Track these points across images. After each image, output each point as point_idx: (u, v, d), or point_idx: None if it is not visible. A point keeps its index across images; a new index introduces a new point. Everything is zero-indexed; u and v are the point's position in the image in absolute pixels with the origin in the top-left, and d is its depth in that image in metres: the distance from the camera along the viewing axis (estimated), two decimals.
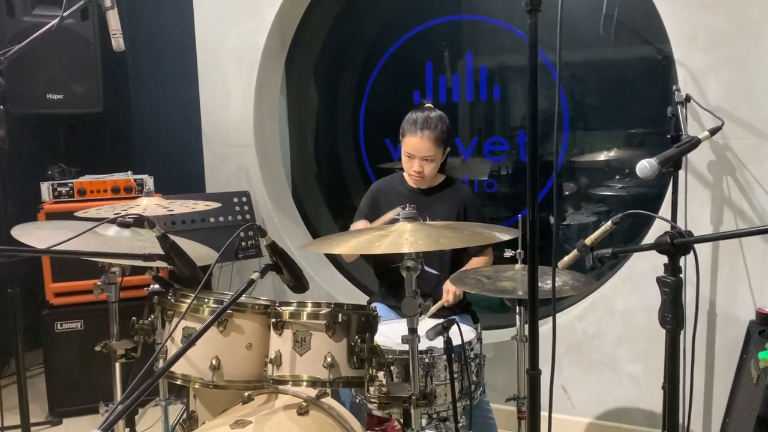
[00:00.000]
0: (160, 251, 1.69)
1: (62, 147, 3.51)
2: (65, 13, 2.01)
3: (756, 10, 2.37)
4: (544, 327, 2.36)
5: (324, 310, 1.63)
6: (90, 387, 3.01)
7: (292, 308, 1.65)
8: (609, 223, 1.69)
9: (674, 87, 2.47)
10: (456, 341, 1.85)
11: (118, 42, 2.07)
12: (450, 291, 2.35)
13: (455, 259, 2.53)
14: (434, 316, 2.31)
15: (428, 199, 2.55)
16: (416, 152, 2.43)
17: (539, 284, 1.47)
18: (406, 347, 1.66)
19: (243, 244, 3.19)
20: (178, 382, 1.70)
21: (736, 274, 2.51)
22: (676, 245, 1.42)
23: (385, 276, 2.65)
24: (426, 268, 2.36)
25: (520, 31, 3.12)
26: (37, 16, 3.11)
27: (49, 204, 3.04)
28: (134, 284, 2.47)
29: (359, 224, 2.58)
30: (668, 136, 2.34)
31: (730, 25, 2.42)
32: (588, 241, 1.70)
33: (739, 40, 2.41)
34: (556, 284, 1.74)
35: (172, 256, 1.69)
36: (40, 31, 2.05)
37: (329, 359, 1.61)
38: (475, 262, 2.55)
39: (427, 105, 2.52)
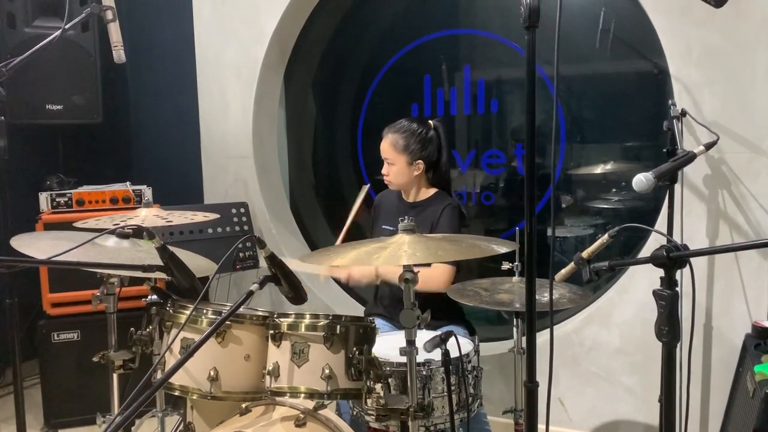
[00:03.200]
0: (159, 262, 1.69)
1: (61, 157, 3.52)
2: (67, 26, 2.03)
3: (749, 26, 2.40)
4: (541, 339, 2.36)
5: (322, 322, 1.64)
6: (86, 398, 3.00)
7: (290, 320, 1.66)
8: (606, 236, 1.71)
9: (670, 101, 2.49)
10: (453, 353, 1.86)
11: (119, 54, 2.09)
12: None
13: None
14: (431, 327, 2.31)
15: (414, 211, 2.55)
16: (381, 152, 2.55)
17: (536, 297, 1.48)
18: (403, 359, 1.67)
19: (240, 255, 3.19)
20: (176, 393, 1.71)
21: (732, 287, 2.52)
22: (673, 259, 1.43)
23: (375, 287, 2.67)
24: None
25: (516, 45, 3.15)
26: (38, 28, 3.12)
27: (47, 214, 3.04)
28: (131, 295, 2.47)
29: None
30: (664, 150, 2.35)
31: (725, 40, 2.45)
32: (585, 254, 1.71)
33: (733, 55, 2.44)
34: (553, 297, 1.75)
35: (171, 267, 1.70)
36: (43, 42, 2.07)
37: (327, 371, 1.61)
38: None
39: (429, 122, 2.56)
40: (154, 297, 1.89)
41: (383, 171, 2.56)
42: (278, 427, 1.65)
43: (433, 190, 2.60)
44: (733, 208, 2.50)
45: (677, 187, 2.46)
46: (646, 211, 2.98)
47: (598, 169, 3.08)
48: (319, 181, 3.99)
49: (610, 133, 3.14)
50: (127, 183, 3.24)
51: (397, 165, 2.51)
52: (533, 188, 1.40)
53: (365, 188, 2.74)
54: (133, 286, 2.03)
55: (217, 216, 2.42)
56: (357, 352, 1.64)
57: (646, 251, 2.72)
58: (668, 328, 1.45)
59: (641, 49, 2.91)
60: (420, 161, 2.51)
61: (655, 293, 1.46)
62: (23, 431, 2.49)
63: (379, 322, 2.53)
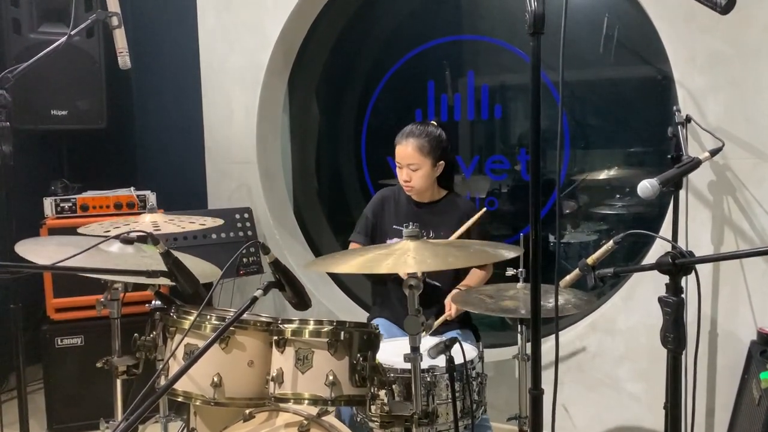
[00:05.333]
0: (163, 267, 1.69)
1: (65, 162, 3.52)
2: (73, 32, 2.04)
3: (754, 33, 2.40)
4: (546, 346, 2.36)
5: (326, 328, 1.64)
6: (89, 403, 2.99)
7: (294, 326, 1.66)
8: (611, 242, 1.70)
9: (674, 107, 2.49)
10: (458, 360, 1.85)
11: (124, 60, 2.10)
12: (452, 304, 2.36)
13: (457, 270, 2.55)
14: (436, 332, 2.31)
15: (429, 212, 2.58)
16: (402, 160, 2.52)
17: (541, 303, 1.47)
18: (408, 366, 1.66)
19: (244, 260, 3.19)
20: (180, 399, 1.70)
21: (737, 294, 2.51)
22: (678, 265, 1.42)
23: (382, 289, 2.67)
24: (427, 279, 2.38)
25: (520, 51, 3.15)
26: (43, 33, 3.13)
27: (51, 219, 3.05)
28: (135, 300, 2.47)
29: (356, 243, 2.63)
30: (669, 156, 2.35)
31: (729, 46, 2.44)
32: (590, 260, 1.71)
33: (738, 61, 2.44)
34: (558, 302, 1.75)
35: (175, 273, 1.69)
36: (48, 48, 2.08)
37: (331, 377, 1.61)
38: (476, 274, 2.57)
39: (431, 122, 2.57)
40: (158, 302, 1.89)
41: (404, 177, 2.53)
42: None
43: (444, 191, 2.63)
44: (738, 215, 2.49)
45: (682, 193, 2.45)
46: (651, 218, 2.97)
47: (603, 175, 3.08)
48: (323, 187, 3.99)
49: (615, 139, 3.14)
50: (131, 188, 3.24)
51: (422, 169, 2.50)
52: (538, 194, 1.39)
53: (483, 212, 2.49)
54: (136, 292, 2.02)
55: (222, 221, 2.41)
56: (361, 359, 1.63)
57: (650, 258, 2.71)
58: (673, 334, 1.44)
59: (645, 55, 2.91)
60: (442, 162, 2.55)
61: (660, 300, 1.46)
62: None
63: (383, 323, 2.54)
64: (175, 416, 2.39)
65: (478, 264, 2.43)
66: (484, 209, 2.48)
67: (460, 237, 2.43)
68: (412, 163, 2.50)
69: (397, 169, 2.57)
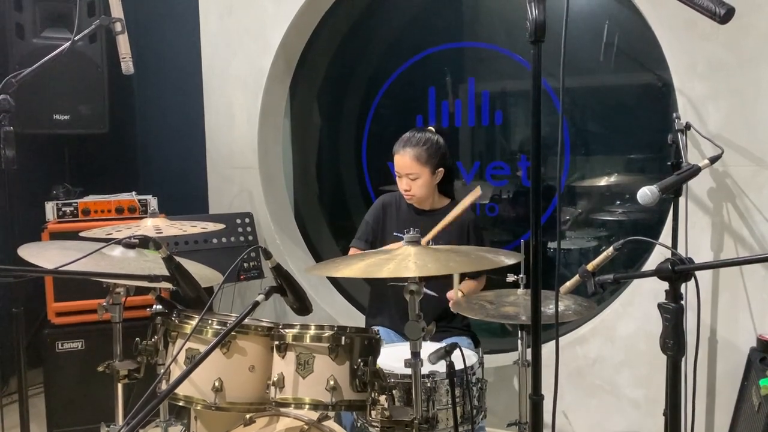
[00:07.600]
0: (165, 272, 1.70)
1: (67, 167, 3.53)
2: (77, 38, 2.05)
3: (753, 41, 2.41)
4: (546, 351, 2.36)
5: (327, 333, 1.65)
6: (90, 407, 2.99)
7: (295, 331, 1.66)
8: (611, 249, 1.71)
9: (674, 115, 2.50)
10: (458, 365, 1.85)
11: (127, 65, 2.11)
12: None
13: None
14: (436, 338, 2.31)
15: (430, 219, 2.58)
16: (400, 169, 2.53)
17: (541, 309, 1.48)
18: (408, 371, 1.67)
19: (245, 265, 3.20)
20: (180, 404, 1.71)
21: (737, 300, 2.51)
22: (678, 272, 1.42)
23: (380, 296, 2.67)
24: (425, 290, 2.38)
25: (521, 57, 3.17)
26: (46, 39, 3.14)
27: (53, 224, 3.05)
28: (137, 305, 2.48)
29: (356, 248, 2.63)
30: (669, 163, 2.36)
31: (729, 54, 2.46)
32: (590, 266, 1.71)
33: (738, 69, 2.45)
34: (558, 309, 1.75)
35: (177, 278, 1.70)
36: (52, 54, 2.09)
37: (332, 382, 1.61)
38: (468, 284, 2.58)
39: (428, 128, 2.58)
40: (159, 307, 1.90)
41: (404, 187, 2.53)
42: None
43: (446, 199, 2.63)
44: (737, 221, 2.50)
45: (682, 200, 2.46)
46: (651, 224, 2.98)
47: (603, 182, 3.09)
48: (324, 192, 4.00)
49: (615, 146, 3.15)
50: (133, 193, 3.25)
51: (422, 177, 2.51)
52: (539, 200, 1.40)
53: (477, 192, 2.40)
54: (137, 296, 2.03)
55: (223, 226, 2.42)
56: (362, 364, 1.64)
57: (650, 264, 2.72)
58: (673, 341, 1.44)
59: (646, 62, 2.92)
60: (441, 169, 2.55)
61: (660, 306, 1.46)
62: None
63: (382, 331, 2.54)
64: (176, 420, 2.39)
65: (478, 269, 2.42)
66: (478, 191, 2.37)
67: (451, 222, 2.40)
68: (411, 173, 2.50)
69: (397, 179, 2.57)
